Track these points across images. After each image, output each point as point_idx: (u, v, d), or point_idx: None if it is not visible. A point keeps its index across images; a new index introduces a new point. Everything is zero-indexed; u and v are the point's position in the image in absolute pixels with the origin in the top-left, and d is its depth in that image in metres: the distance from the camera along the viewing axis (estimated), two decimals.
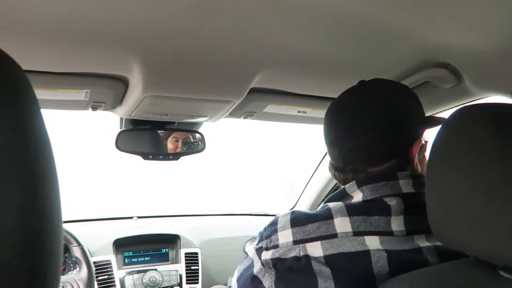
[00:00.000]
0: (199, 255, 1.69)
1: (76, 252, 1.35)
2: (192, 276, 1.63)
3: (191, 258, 1.68)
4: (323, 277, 0.60)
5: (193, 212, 2.15)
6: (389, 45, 0.85)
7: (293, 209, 0.71)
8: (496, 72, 0.90)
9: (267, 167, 4.94)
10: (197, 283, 1.62)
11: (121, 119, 1.33)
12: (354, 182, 0.71)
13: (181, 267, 1.63)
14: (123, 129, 1.31)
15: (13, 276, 0.29)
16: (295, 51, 0.88)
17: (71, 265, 1.39)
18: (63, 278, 1.28)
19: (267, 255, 0.65)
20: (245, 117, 1.31)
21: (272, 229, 0.67)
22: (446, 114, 0.90)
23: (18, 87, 0.32)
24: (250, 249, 0.71)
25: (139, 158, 1.35)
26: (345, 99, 0.76)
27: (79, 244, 1.36)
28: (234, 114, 1.26)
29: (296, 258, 0.62)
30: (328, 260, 0.61)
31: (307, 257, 0.61)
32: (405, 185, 0.69)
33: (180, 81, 0.94)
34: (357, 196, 0.69)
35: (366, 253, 0.61)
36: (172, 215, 2.13)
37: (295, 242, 0.63)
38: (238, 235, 1.82)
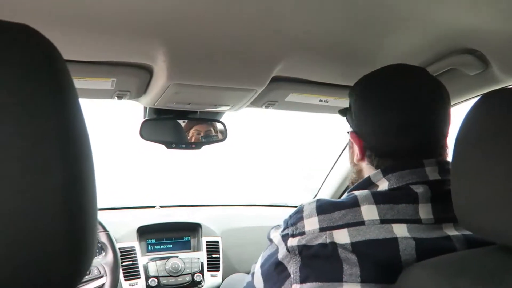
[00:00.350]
0: (220, 244, 1.72)
1: (102, 237, 1.39)
2: (213, 264, 1.66)
3: (212, 247, 1.70)
4: (349, 264, 0.60)
5: (214, 203, 2.19)
6: (414, 30, 0.84)
7: (318, 198, 0.70)
8: None
9: (287, 159, 4.94)
10: (218, 270, 1.65)
11: (145, 108, 1.36)
12: (379, 170, 0.70)
13: (202, 255, 1.66)
14: (146, 118, 1.34)
15: (55, 243, 0.31)
16: (317, 38, 0.88)
17: (97, 250, 1.43)
18: None
19: (293, 241, 0.65)
20: (266, 107, 1.31)
21: (297, 216, 0.67)
22: (471, 102, 0.88)
23: (61, 75, 0.34)
24: (275, 236, 0.71)
25: (162, 147, 1.38)
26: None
27: (105, 229, 1.40)
28: (255, 103, 1.27)
29: (322, 245, 0.62)
30: (355, 247, 0.60)
31: (333, 244, 0.61)
32: (431, 172, 0.68)
33: (204, 69, 0.96)
34: (383, 185, 0.69)
35: (394, 240, 0.61)
36: (193, 205, 2.17)
37: (322, 230, 0.63)
38: (259, 225, 1.84)
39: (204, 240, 1.71)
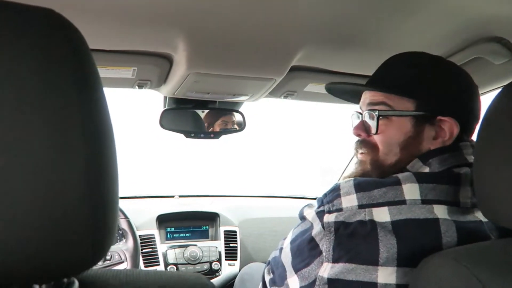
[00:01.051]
0: (238, 233, 1.73)
1: (123, 224, 1.42)
2: (230, 253, 1.68)
3: (230, 236, 1.72)
4: (386, 246, 0.58)
5: (232, 193, 2.20)
6: (438, 18, 0.82)
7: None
8: None
9: (304, 152, 4.92)
10: (236, 259, 1.66)
11: (165, 98, 1.37)
12: (416, 159, 0.69)
13: (220, 244, 1.68)
14: (166, 107, 1.36)
15: (76, 222, 0.32)
16: (337, 26, 0.87)
17: (118, 237, 1.47)
18: (111, 247, 1.35)
19: (330, 217, 0.62)
20: (285, 97, 1.31)
21: (334, 194, 0.64)
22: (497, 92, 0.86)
23: (85, 59, 0.35)
24: (309, 213, 0.68)
25: (181, 136, 1.40)
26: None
27: (125, 216, 1.42)
28: (274, 93, 1.26)
29: (361, 223, 0.59)
30: (395, 226, 0.58)
31: (372, 222, 0.59)
32: (469, 155, 0.68)
33: (223, 58, 0.96)
34: (423, 171, 0.67)
35: (436, 221, 0.59)
36: (211, 195, 2.19)
37: (361, 207, 0.61)
38: (277, 216, 1.85)
39: (222, 229, 1.73)
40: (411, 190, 0.61)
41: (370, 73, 1.15)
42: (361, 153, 0.76)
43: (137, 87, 1.16)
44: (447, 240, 0.58)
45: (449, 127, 0.69)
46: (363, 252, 0.59)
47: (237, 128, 1.39)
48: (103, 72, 1.00)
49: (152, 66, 1.03)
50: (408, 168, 0.69)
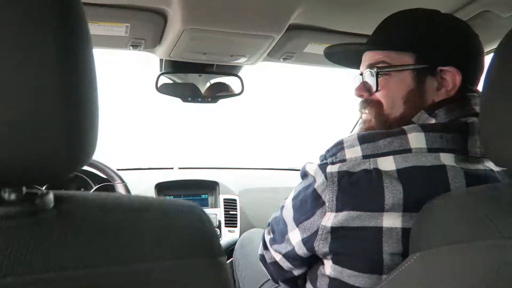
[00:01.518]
0: (238, 202, 1.73)
1: (120, 188, 1.40)
2: (230, 221, 1.68)
3: (230, 204, 1.71)
4: (392, 192, 0.57)
5: (232, 165, 2.19)
6: None
7: None
8: None
9: (305, 120, 4.86)
10: (236, 226, 1.66)
11: (161, 61, 1.34)
12: (422, 111, 0.68)
13: (220, 212, 1.68)
14: (163, 71, 1.33)
15: (51, 128, 0.31)
16: None
17: None
18: None
19: (333, 168, 0.61)
20: (284, 59, 1.27)
21: (338, 147, 0.63)
22: None
23: (75, 14, 0.33)
24: (311, 167, 0.66)
25: (179, 106, 1.38)
26: None
27: (122, 181, 1.41)
28: (273, 55, 1.23)
29: (366, 171, 0.58)
30: (401, 174, 0.57)
31: (377, 171, 0.58)
32: (477, 106, 0.66)
33: (219, 12, 0.92)
34: (429, 122, 0.66)
35: (442, 168, 0.58)
36: (211, 167, 2.18)
37: (365, 157, 0.59)
38: (276, 186, 1.84)
39: (221, 197, 1.72)
40: (417, 139, 0.60)
41: (370, 33, 1.11)
42: (365, 113, 0.76)
43: (131, 47, 1.12)
44: (455, 186, 0.57)
45: (451, 76, 0.68)
46: (368, 199, 0.58)
47: (235, 93, 1.36)
48: (95, 28, 0.96)
49: (146, 22, 0.99)
50: (413, 121, 0.68)
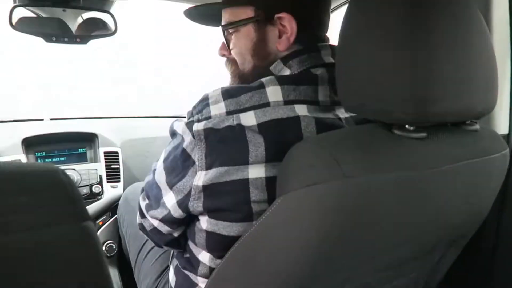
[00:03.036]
0: (120, 154, 1.64)
1: None
2: (113, 175, 1.59)
3: (111, 157, 1.61)
4: (255, 145, 0.61)
5: (112, 115, 2.04)
6: None
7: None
8: None
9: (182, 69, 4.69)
10: (119, 181, 1.59)
11: None
12: (278, 61, 0.72)
13: (100, 166, 1.57)
14: (17, 3, 1.11)
15: None
16: None
17: None
18: None
19: (199, 126, 0.63)
20: None
21: (203, 104, 0.65)
22: None
23: None
24: (179, 125, 0.68)
25: (41, 40, 1.19)
26: None
27: None
28: None
29: (230, 128, 0.61)
30: (261, 127, 0.61)
31: (240, 126, 0.61)
32: (326, 56, 0.72)
33: None
34: (285, 73, 0.70)
35: (296, 118, 0.62)
36: (89, 117, 2.00)
37: (229, 113, 0.62)
38: (161, 135, 1.78)
39: (101, 150, 1.60)
40: (274, 93, 0.64)
41: None
42: (230, 71, 0.80)
43: None
44: (307, 134, 0.63)
45: (288, 22, 0.71)
46: (234, 154, 0.61)
47: (107, 33, 1.22)
48: None
49: None
50: (271, 70, 0.72)
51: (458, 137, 0.62)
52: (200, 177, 0.63)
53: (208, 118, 0.63)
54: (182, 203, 0.67)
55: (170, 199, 0.69)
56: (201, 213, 0.67)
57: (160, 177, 0.70)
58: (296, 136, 0.62)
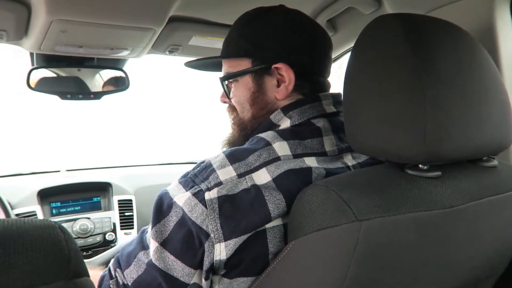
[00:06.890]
0: (134, 202, 1.65)
1: None
2: (126, 223, 1.60)
3: (125, 205, 1.63)
4: (275, 204, 0.57)
5: (125, 163, 2.08)
6: None
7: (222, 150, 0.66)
8: None
9: (199, 115, 4.80)
10: (132, 228, 1.59)
11: (32, 55, 1.21)
12: (279, 110, 0.70)
13: (114, 214, 1.59)
14: (34, 66, 1.20)
15: None
16: None
17: None
18: None
19: (211, 194, 0.57)
20: (170, 52, 1.25)
21: (208, 170, 0.60)
22: None
23: None
24: (180, 197, 0.60)
25: (57, 99, 1.25)
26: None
27: None
28: (157, 47, 1.19)
29: (245, 191, 0.57)
30: (277, 181, 0.58)
31: (255, 187, 0.58)
32: (328, 105, 0.71)
33: (88, 3, 0.86)
34: (285, 123, 0.69)
35: (309, 169, 0.61)
36: (103, 166, 2.04)
37: (240, 175, 0.59)
38: (173, 181, 1.79)
39: (115, 199, 1.63)
40: (281, 148, 0.63)
41: None
42: (231, 117, 0.80)
43: None
44: None
45: (286, 72, 0.71)
46: (253, 218, 0.57)
47: (120, 88, 1.29)
48: None
49: (6, 12, 0.88)
50: (271, 118, 0.71)
51: (475, 174, 0.59)
52: (221, 250, 0.57)
53: (219, 184, 0.58)
54: (207, 277, 0.61)
55: (197, 278, 0.61)
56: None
57: (174, 264, 0.60)
58: (308, 185, 0.58)
